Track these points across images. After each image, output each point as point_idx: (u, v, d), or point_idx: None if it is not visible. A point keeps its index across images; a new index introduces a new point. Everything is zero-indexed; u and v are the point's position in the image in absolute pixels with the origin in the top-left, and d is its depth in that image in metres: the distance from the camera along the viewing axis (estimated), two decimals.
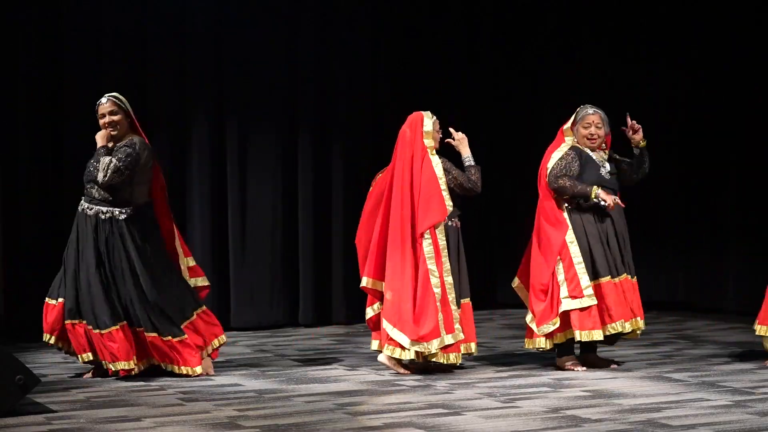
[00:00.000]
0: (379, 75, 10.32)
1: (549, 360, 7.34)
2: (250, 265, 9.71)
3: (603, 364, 7.13)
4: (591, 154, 7.13)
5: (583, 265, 6.94)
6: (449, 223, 7.05)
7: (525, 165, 10.80)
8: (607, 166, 7.15)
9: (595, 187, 6.98)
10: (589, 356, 7.16)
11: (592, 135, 7.10)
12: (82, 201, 6.97)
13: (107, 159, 6.78)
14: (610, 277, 7.00)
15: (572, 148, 7.14)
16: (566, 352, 7.10)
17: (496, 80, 11.11)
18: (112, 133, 6.93)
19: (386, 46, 10.40)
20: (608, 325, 6.95)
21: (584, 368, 6.99)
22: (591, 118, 7.12)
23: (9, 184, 8.88)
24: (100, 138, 6.98)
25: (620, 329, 6.96)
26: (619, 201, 7.01)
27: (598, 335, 6.90)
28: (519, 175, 10.86)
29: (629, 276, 7.11)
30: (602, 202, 6.95)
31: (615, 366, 7.10)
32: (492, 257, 10.89)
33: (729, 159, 10.25)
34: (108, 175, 6.74)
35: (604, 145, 7.21)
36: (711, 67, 10.29)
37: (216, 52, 9.67)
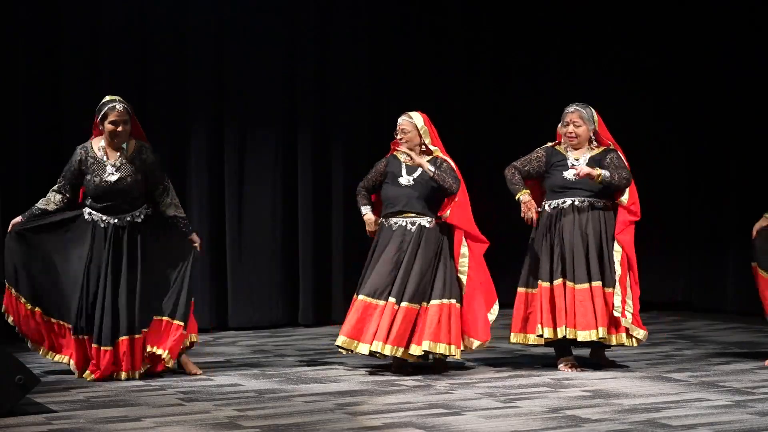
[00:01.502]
0: (379, 75, 10.31)
1: (549, 360, 7.34)
2: (249, 264, 9.71)
3: (607, 364, 7.14)
4: (570, 156, 7.11)
5: None
6: (393, 223, 7.10)
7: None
8: (583, 165, 7.03)
9: (523, 192, 7.13)
10: (599, 353, 7.19)
11: (570, 133, 7.09)
12: (99, 214, 6.90)
13: (167, 193, 7.02)
14: (546, 282, 7.04)
15: (546, 148, 7.21)
16: (562, 353, 7.10)
17: (496, 80, 11.10)
18: (116, 140, 6.93)
19: (386, 45, 10.40)
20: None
21: (579, 369, 6.98)
22: (570, 117, 7.10)
23: (9, 184, 8.87)
24: (100, 147, 6.96)
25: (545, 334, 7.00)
26: (533, 218, 7.10)
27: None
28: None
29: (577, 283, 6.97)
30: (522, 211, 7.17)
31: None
32: (492, 257, 10.87)
33: (729, 159, 10.26)
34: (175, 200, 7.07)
35: (595, 142, 7.11)
36: (712, 68, 10.29)
37: (216, 52, 9.67)
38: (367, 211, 7.25)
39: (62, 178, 7.08)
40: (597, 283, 6.94)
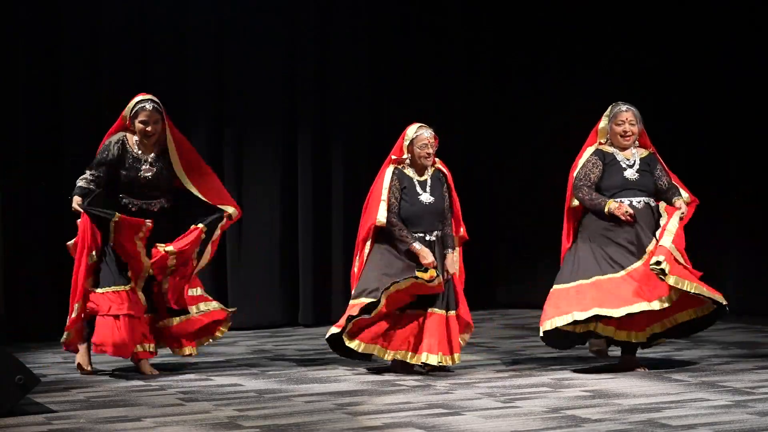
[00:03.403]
0: (379, 75, 10.31)
1: (549, 360, 7.34)
2: (249, 264, 9.71)
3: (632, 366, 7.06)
4: (618, 155, 7.06)
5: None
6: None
7: (525, 166, 10.85)
8: (636, 165, 7.05)
9: (609, 201, 6.91)
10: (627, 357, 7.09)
11: (626, 132, 7.05)
12: (132, 200, 7.03)
13: None
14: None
15: (595, 152, 7.09)
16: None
17: (496, 80, 11.10)
18: (147, 140, 7.03)
19: (386, 45, 10.40)
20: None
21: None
22: (624, 116, 7.08)
23: (9, 184, 8.88)
24: (135, 142, 7.03)
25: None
26: (629, 212, 6.86)
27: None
28: (519, 175, 10.88)
29: None
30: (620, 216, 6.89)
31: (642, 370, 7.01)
32: (492, 257, 10.89)
33: (729, 159, 10.25)
34: None
35: (636, 142, 7.14)
36: (712, 68, 10.29)
37: (216, 52, 9.67)
38: (421, 246, 6.97)
39: (97, 170, 7.04)
40: None
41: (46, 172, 9.07)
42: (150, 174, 7.01)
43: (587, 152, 7.12)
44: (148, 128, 6.98)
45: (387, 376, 6.89)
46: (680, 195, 7.12)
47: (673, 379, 6.62)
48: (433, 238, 7.09)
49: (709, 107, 10.33)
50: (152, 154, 7.06)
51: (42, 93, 9.06)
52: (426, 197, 7.07)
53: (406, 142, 7.09)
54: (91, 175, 7.02)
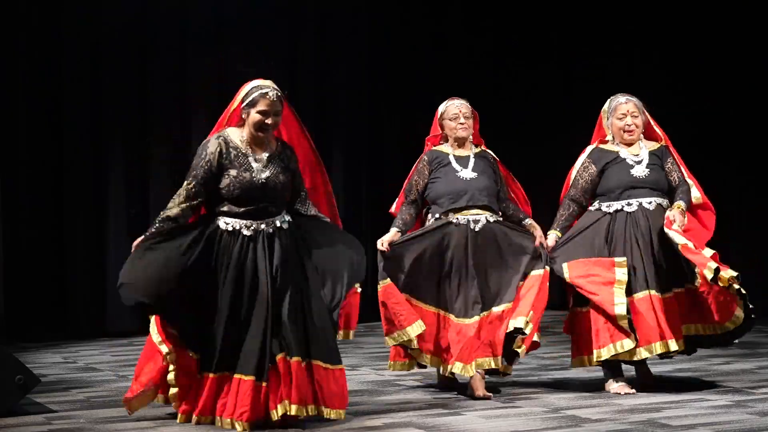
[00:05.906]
0: (379, 75, 10.31)
1: (549, 360, 7.33)
2: None
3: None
4: (621, 152, 6.45)
5: None
6: (455, 220, 6.26)
7: (525, 167, 10.84)
8: (645, 160, 6.44)
9: (552, 232, 6.42)
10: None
11: (629, 126, 6.40)
12: (241, 221, 5.47)
13: (307, 200, 5.78)
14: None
15: (590, 154, 6.53)
16: (614, 374, 6.34)
17: (496, 80, 11.11)
18: (262, 134, 5.59)
19: (386, 46, 10.40)
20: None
21: (633, 390, 6.23)
22: (625, 108, 6.43)
23: (9, 185, 8.88)
24: (242, 139, 5.56)
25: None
26: (546, 245, 6.30)
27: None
28: (519, 176, 10.87)
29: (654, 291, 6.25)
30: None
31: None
32: None
33: (729, 159, 10.26)
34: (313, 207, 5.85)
35: (642, 136, 6.54)
36: (712, 68, 10.30)
37: (216, 52, 9.68)
38: (395, 232, 6.25)
39: (192, 178, 5.47)
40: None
41: (46, 172, 9.08)
42: (265, 175, 5.49)
43: (584, 154, 6.58)
44: (267, 120, 5.57)
45: (387, 377, 6.88)
46: (686, 197, 6.42)
47: (674, 379, 6.62)
48: (479, 226, 6.28)
49: (710, 106, 10.35)
50: (263, 154, 5.57)
51: (42, 93, 9.07)
52: (466, 173, 6.36)
53: (438, 119, 6.58)
54: (180, 195, 5.47)
